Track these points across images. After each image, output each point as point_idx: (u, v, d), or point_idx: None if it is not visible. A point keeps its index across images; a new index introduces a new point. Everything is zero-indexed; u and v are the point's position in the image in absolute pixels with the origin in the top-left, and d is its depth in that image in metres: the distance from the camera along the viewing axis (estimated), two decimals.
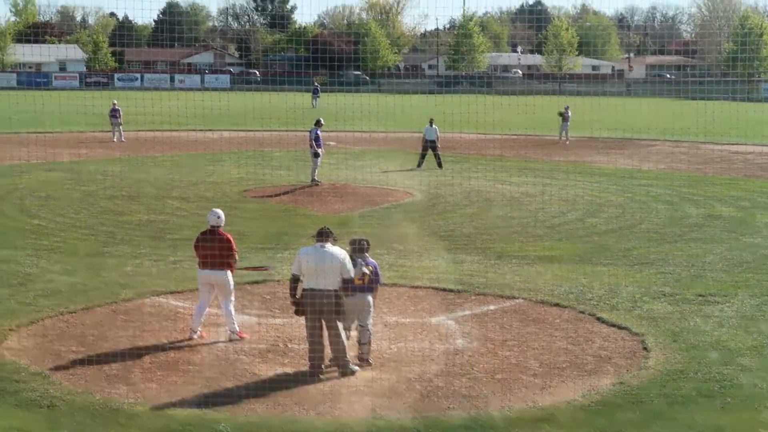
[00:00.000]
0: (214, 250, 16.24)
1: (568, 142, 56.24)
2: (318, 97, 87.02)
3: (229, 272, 16.44)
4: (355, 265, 14.78)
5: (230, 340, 16.24)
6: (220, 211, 16.74)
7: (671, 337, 16.48)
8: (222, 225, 16.52)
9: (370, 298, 15.21)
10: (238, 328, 16.39)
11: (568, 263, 22.57)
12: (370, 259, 15.40)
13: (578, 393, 13.73)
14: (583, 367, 15.04)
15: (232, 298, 16.49)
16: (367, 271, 15.08)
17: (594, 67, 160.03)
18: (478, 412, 12.99)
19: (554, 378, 14.52)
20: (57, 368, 14.66)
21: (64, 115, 58.25)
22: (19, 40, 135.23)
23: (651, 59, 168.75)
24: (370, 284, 15.19)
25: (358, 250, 15.20)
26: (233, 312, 16.42)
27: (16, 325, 16.83)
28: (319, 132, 36.51)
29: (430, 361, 15.20)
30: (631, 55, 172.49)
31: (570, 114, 56.87)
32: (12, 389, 13.60)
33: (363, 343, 15.12)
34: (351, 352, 14.87)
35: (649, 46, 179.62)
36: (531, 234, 26.77)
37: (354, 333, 15.53)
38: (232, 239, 16.50)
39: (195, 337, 16.31)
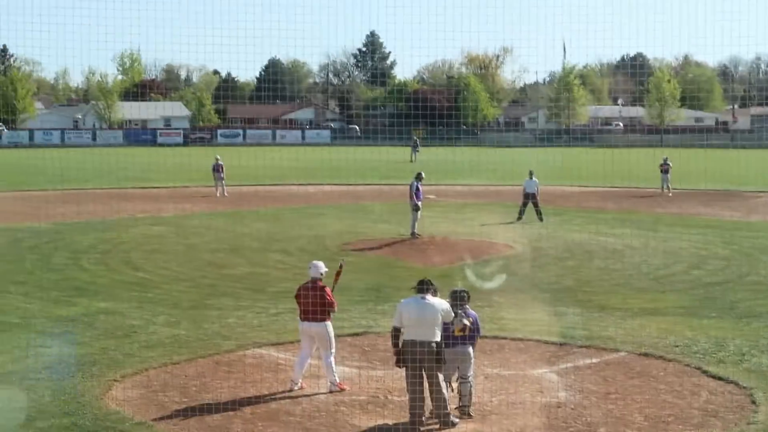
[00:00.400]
0: (316, 300, 16.34)
1: (671, 194, 55.47)
2: (417, 151, 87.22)
3: (329, 323, 16.50)
4: (455, 316, 14.74)
5: (330, 392, 16.26)
6: (321, 264, 16.83)
7: None
8: (321, 276, 16.61)
9: (470, 349, 15.18)
10: (338, 380, 16.41)
11: (672, 316, 22.19)
12: (471, 311, 15.35)
13: None
14: (689, 421, 14.72)
15: (332, 350, 16.53)
16: (467, 323, 15.03)
17: (697, 119, 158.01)
18: None
19: None
20: (160, 418, 14.82)
21: (168, 171, 59.35)
22: (125, 98, 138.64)
23: (756, 110, 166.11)
24: (471, 335, 15.14)
25: (459, 300, 15.15)
26: (333, 363, 16.46)
27: (120, 376, 17.08)
28: (419, 185, 36.58)
29: (532, 414, 15.02)
30: (735, 106, 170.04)
31: (670, 165, 56.09)
32: None
33: (464, 395, 15.05)
34: (452, 405, 14.76)
35: (754, 97, 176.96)
36: (634, 286, 26.40)
37: (455, 385, 15.49)
38: (329, 290, 16.57)
39: (296, 388, 16.36)
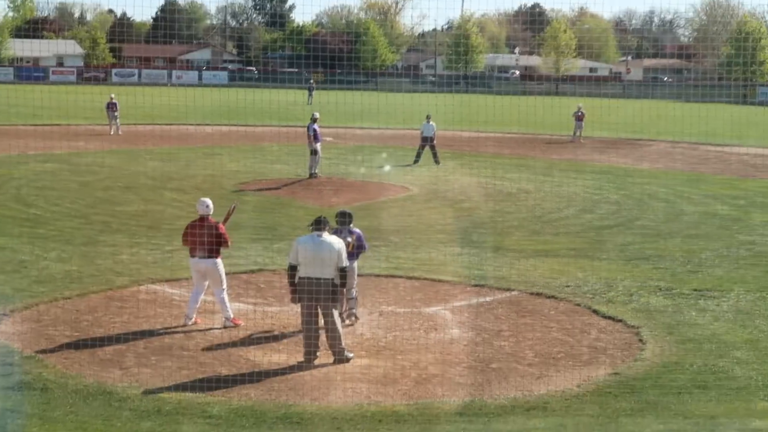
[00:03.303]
0: (203, 238, 16.18)
1: (582, 141, 56.06)
2: (312, 95, 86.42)
3: (219, 260, 16.37)
4: (340, 234, 15.61)
5: (225, 327, 16.18)
6: (208, 200, 16.66)
7: (667, 330, 16.44)
8: (211, 213, 16.45)
9: (355, 264, 16.30)
10: (232, 315, 16.33)
11: (564, 257, 22.54)
12: (355, 230, 16.38)
13: (573, 383, 13.67)
14: (578, 358, 14.99)
15: (224, 286, 16.41)
16: (350, 240, 15.97)
17: (591, 69, 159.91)
18: (472, 399, 12.92)
19: (549, 368, 14.45)
20: (50, 352, 14.59)
21: (61, 109, 58.10)
22: (17, 36, 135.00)
23: (648, 62, 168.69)
24: (356, 252, 16.28)
25: (342, 222, 16.31)
26: (226, 299, 16.36)
27: (10, 310, 16.75)
28: (316, 127, 36.38)
29: (425, 350, 15.14)
30: (629, 58, 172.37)
31: (584, 113, 56.57)
32: (5, 372, 13.54)
33: (350, 297, 16.31)
34: (346, 340, 14.81)
35: (647, 50, 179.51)
36: (527, 229, 26.72)
37: (356, 319, 16.44)
38: (222, 226, 16.42)
39: (189, 323, 16.24)
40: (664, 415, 12.48)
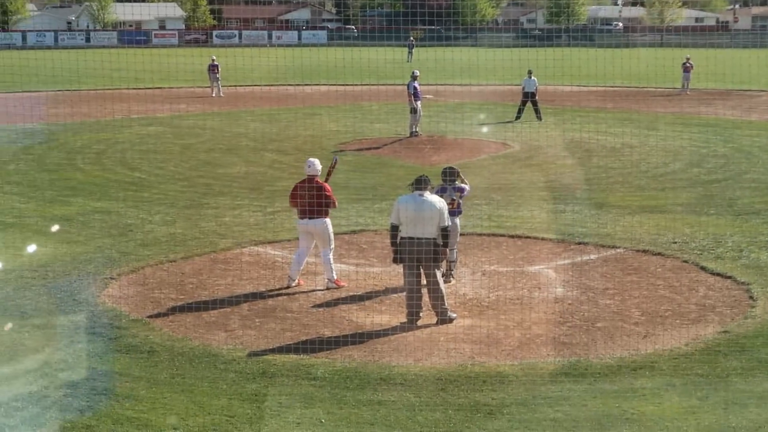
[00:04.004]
0: (311, 199, 16.25)
1: (689, 93, 55.15)
2: (412, 53, 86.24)
3: (327, 220, 16.43)
4: (445, 191, 15.94)
5: (328, 289, 16.26)
6: (315, 160, 16.67)
7: None
8: (318, 174, 16.49)
9: (457, 220, 16.29)
10: (336, 276, 16.41)
11: (670, 213, 22.17)
12: (460, 185, 16.45)
13: (681, 341, 13.45)
14: (686, 316, 14.74)
15: (332, 246, 16.49)
16: (455, 197, 16.18)
17: (697, 19, 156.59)
18: (577, 359, 12.80)
19: (656, 326, 14.24)
20: (157, 315, 14.83)
21: (163, 72, 58.88)
22: (119, 0, 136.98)
23: (757, 10, 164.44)
24: (458, 210, 16.33)
25: (449, 177, 16.33)
26: (332, 260, 16.43)
27: (116, 274, 17.07)
28: (416, 84, 36.25)
29: (529, 309, 15.04)
30: (737, 6, 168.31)
31: (692, 64, 55.64)
32: (113, 335, 13.79)
33: (451, 260, 16.19)
34: (449, 300, 14.78)
35: None
36: (632, 184, 26.34)
37: (453, 281, 16.07)
38: (328, 187, 16.47)
39: (293, 285, 16.37)
40: None
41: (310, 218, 16.37)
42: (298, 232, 16.84)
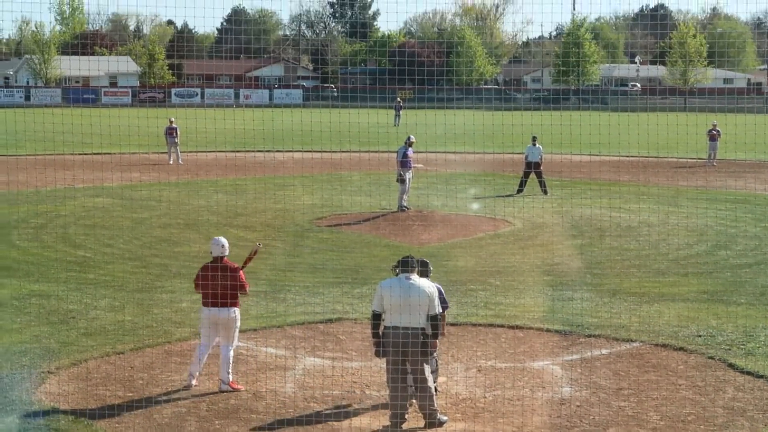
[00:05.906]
0: (219, 282, 16.22)
1: (715, 164, 55.63)
2: (399, 115, 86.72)
3: (237, 310, 16.40)
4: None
5: (221, 391, 16.05)
6: (222, 239, 16.80)
7: None
8: (226, 254, 16.52)
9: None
10: (231, 378, 16.23)
11: (695, 302, 22.28)
12: (434, 284, 15.24)
13: None
14: (712, 421, 14.79)
15: (235, 343, 16.47)
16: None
17: (726, 80, 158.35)
18: None
19: None
20: (101, 416, 14.79)
21: (114, 136, 59.13)
22: (65, 52, 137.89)
23: None
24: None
25: (417, 273, 14.89)
26: (231, 360, 16.27)
27: (56, 367, 17.04)
28: (410, 152, 36.22)
29: (531, 412, 15.05)
30: None
31: (719, 131, 56.17)
32: None
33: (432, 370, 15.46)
34: (439, 400, 14.78)
35: None
36: (651, 269, 26.47)
37: (442, 379, 15.87)
38: (241, 272, 16.47)
39: (193, 384, 16.23)
40: None
41: (218, 306, 16.29)
42: (201, 322, 16.73)
